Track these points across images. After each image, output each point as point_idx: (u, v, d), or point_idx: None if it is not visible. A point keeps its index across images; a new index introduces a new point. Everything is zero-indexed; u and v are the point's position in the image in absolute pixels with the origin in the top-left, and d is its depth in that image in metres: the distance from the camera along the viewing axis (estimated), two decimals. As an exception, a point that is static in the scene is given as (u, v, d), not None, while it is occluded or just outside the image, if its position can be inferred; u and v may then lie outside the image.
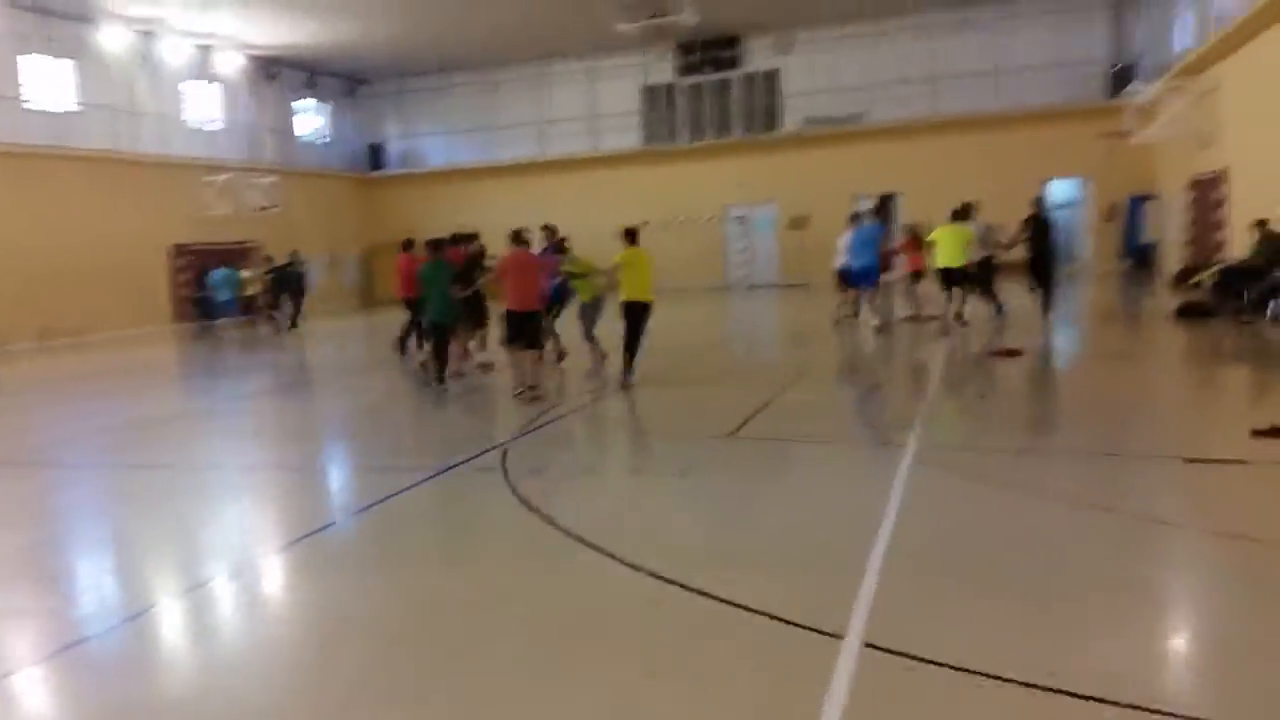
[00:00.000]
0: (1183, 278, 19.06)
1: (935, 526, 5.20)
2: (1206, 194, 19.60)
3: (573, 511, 5.81)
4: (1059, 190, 28.54)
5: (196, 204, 26.05)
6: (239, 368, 16.55)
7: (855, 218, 15.50)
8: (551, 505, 5.93)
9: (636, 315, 10.39)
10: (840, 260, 15.44)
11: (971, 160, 27.33)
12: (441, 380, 11.05)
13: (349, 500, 6.87)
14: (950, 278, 13.81)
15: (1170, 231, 24.09)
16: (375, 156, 33.80)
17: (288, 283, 22.59)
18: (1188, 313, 13.59)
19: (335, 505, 6.78)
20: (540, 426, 8.60)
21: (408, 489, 6.56)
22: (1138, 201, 26.02)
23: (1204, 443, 6.80)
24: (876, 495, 5.62)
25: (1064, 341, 13.67)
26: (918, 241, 15.56)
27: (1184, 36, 22.61)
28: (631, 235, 10.50)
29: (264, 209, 27.19)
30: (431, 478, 6.84)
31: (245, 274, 24.89)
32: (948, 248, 13.43)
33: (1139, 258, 25.83)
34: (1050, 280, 13.77)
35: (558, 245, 12.14)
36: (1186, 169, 21.44)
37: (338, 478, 7.80)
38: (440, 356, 11.10)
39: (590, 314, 11.62)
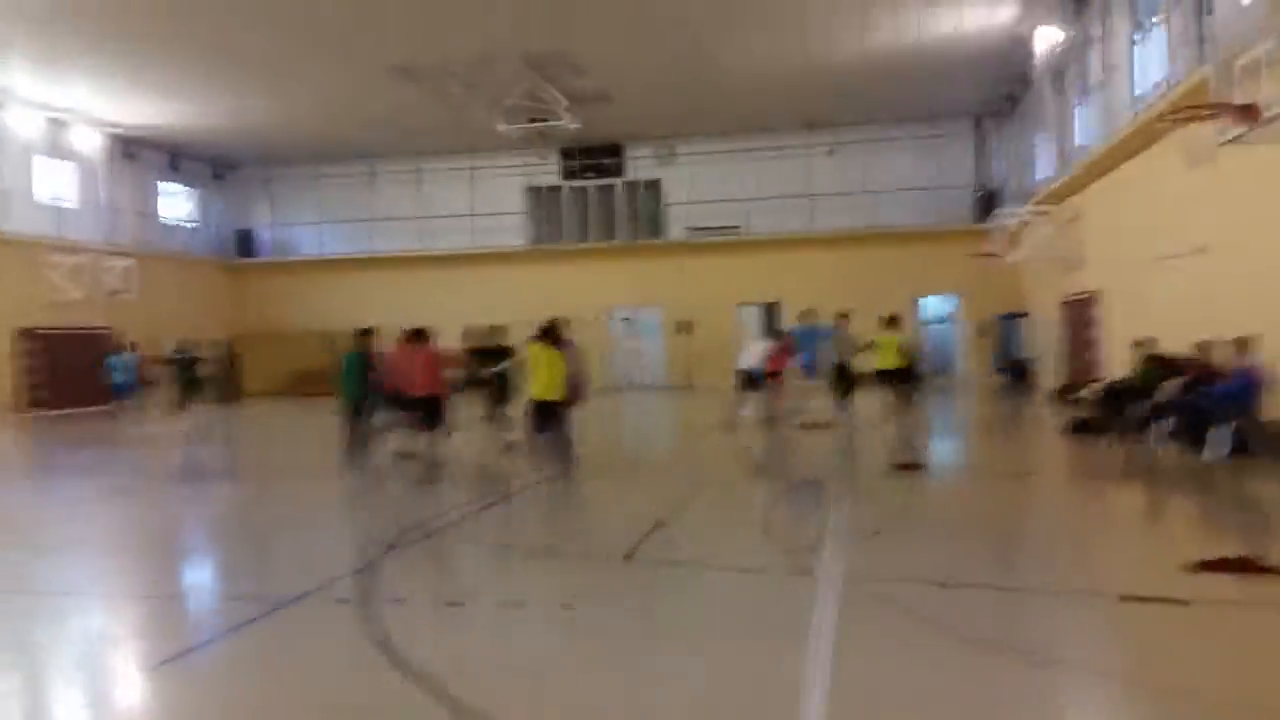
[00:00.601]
0: (1064, 393, 19.50)
1: (871, 698, 4.45)
2: (1080, 314, 20.28)
3: (436, 658, 4.84)
4: (933, 306, 29.46)
5: (45, 286, 24.00)
6: (92, 463, 14.74)
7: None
8: (411, 649, 4.94)
9: (537, 413, 10.19)
10: (746, 363, 15.81)
11: (847, 274, 27.90)
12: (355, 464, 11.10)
13: (145, 649, 5.38)
14: (888, 379, 13.75)
15: (1044, 348, 24.92)
16: (244, 243, 32.25)
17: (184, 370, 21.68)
18: (1079, 429, 13.63)
19: (120, 658, 5.35)
20: (416, 541, 7.58)
21: (224, 636, 5.38)
22: (1009, 318, 26.93)
23: (1139, 578, 6.35)
24: (794, 646, 4.85)
25: (961, 456, 13.49)
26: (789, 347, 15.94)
27: (1046, 165, 23.86)
28: (544, 332, 10.35)
29: (115, 294, 25.29)
30: (267, 615, 5.70)
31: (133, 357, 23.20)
32: (887, 353, 13.35)
33: (1014, 372, 26.58)
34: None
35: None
36: (1057, 289, 22.26)
37: (140, 615, 6.18)
38: (355, 441, 11.35)
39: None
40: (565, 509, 9.45)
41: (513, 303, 29.26)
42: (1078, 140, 20.62)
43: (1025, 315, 26.53)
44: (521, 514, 9.25)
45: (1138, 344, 13.40)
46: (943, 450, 13.26)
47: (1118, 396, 13.69)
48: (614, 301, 29.65)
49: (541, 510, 9.38)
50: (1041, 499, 9.83)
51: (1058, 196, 21.14)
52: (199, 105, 24.92)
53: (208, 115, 26.00)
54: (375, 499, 10.16)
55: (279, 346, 30.01)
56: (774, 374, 15.12)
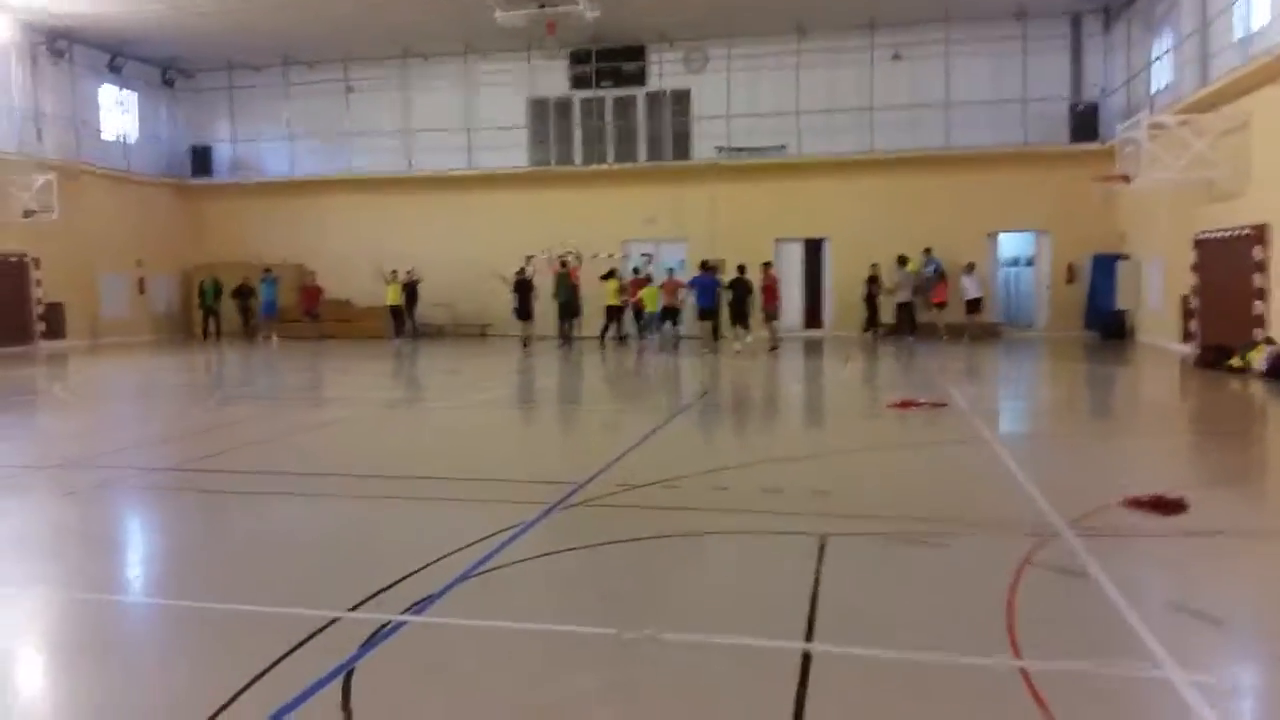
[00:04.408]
0: (1210, 358, 15.20)
1: None
2: (1232, 255, 15.88)
3: None
4: (1012, 244, 25.00)
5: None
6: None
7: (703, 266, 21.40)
8: None
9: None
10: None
11: (910, 204, 23.48)
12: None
13: None
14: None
15: (1153, 299, 20.52)
16: (200, 161, 27.72)
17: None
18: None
19: None
20: None
21: None
22: (1103, 262, 22.48)
23: None
24: None
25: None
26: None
27: (1171, 72, 19.25)
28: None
29: (30, 214, 20.96)
30: None
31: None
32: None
33: (1106, 328, 22.22)
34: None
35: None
36: (1187, 224, 17.82)
37: None
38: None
39: None
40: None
41: (513, 233, 24.94)
42: (1237, 34, 16.02)
43: (1125, 257, 22.09)
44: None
45: None
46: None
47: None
48: (632, 234, 25.17)
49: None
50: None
51: (1199, 109, 16.63)
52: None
53: (156, 6, 21.46)
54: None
55: (238, 280, 25.70)
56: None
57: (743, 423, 11.11)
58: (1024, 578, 4.76)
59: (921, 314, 22.83)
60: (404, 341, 22.92)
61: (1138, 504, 6.34)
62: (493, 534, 5.49)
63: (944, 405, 11.15)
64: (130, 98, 26.43)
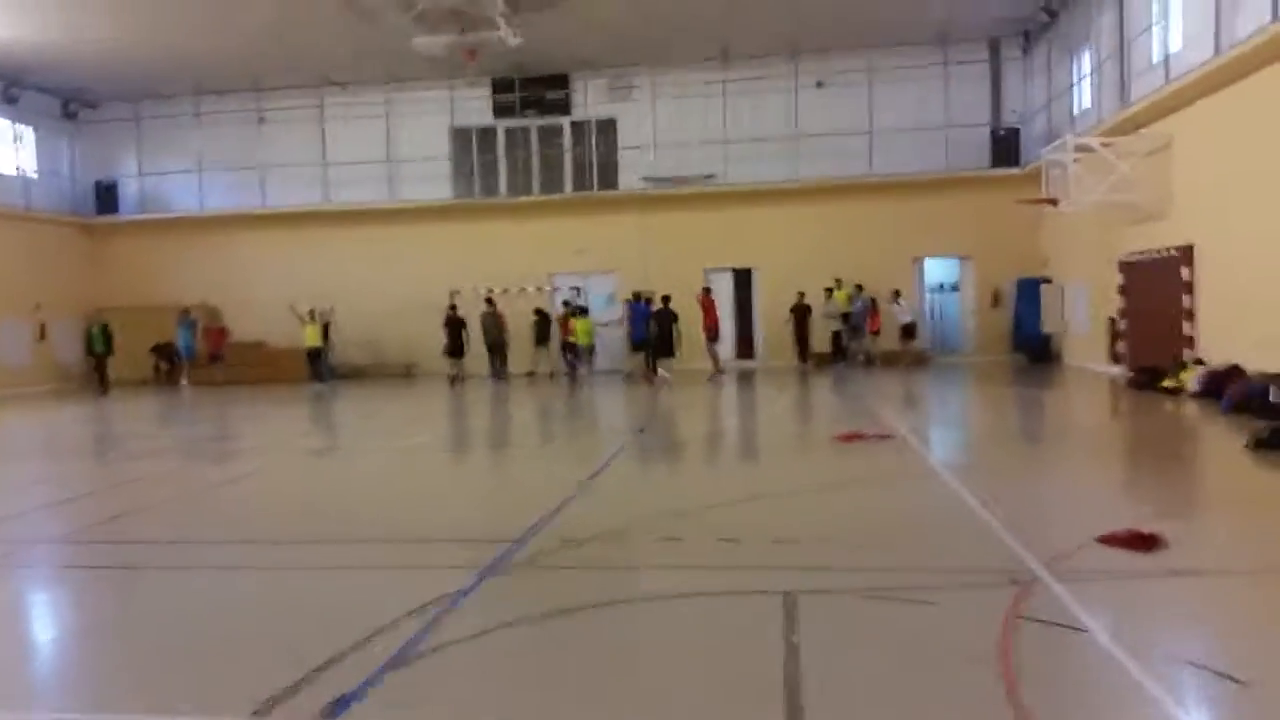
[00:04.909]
0: (1143, 380, 15.24)
1: None
2: (1156, 277, 16.01)
3: None
4: (936, 271, 25.13)
5: None
6: None
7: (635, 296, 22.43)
8: None
9: None
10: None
11: (837, 232, 23.45)
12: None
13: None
14: None
15: (1078, 322, 20.72)
16: (105, 197, 26.35)
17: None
18: (1266, 444, 9.18)
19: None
20: None
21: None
22: (1027, 286, 22.68)
23: None
24: None
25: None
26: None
27: (1086, 96, 19.57)
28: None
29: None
30: None
31: None
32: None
33: (1033, 351, 22.38)
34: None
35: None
36: (1111, 247, 18.00)
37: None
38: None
39: None
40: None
41: (437, 267, 24.25)
42: (1155, 57, 16.27)
43: (1048, 281, 22.34)
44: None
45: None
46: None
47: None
48: (560, 267, 24.64)
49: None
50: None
51: (1119, 131, 16.85)
52: (43, 19, 19.46)
53: (55, 34, 20.41)
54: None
55: (147, 323, 24.44)
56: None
57: (687, 462, 10.59)
58: (1015, 634, 4.32)
59: (851, 343, 22.90)
60: (326, 385, 21.96)
61: (1114, 541, 5.98)
62: (421, 606, 4.86)
63: (890, 437, 10.84)
64: (27, 131, 25.04)
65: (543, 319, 23.56)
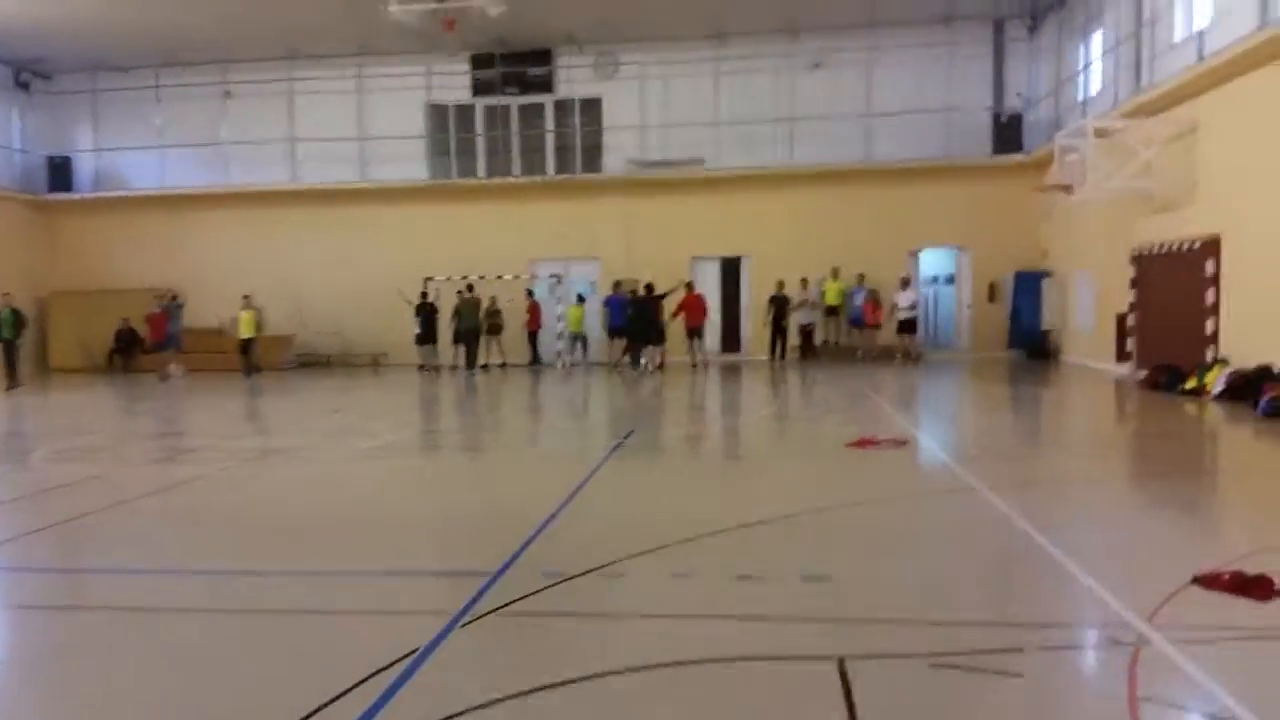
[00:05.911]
0: (1160, 380, 14.30)
1: None
2: (1176, 270, 15.05)
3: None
4: (931, 263, 24.15)
5: None
6: None
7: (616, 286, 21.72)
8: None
9: None
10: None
11: (832, 220, 22.43)
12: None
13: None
14: None
15: (1082, 317, 19.80)
16: (59, 173, 24.95)
17: None
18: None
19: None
20: None
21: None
22: (1026, 279, 21.73)
23: None
24: None
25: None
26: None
27: (1105, 77, 18.61)
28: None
29: None
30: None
31: None
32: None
33: (1031, 348, 21.45)
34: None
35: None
36: (1123, 238, 17.05)
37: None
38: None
39: None
40: None
41: (410, 252, 23.01)
42: (1176, 36, 15.31)
43: (1048, 274, 21.42)
44: None
45: None
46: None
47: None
48: (539, 254, 23.44)
49: None
50: None
51: (1136, 114, 15.89)
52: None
53: (8, 1, 19.12)
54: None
55: (102, 307, 23.08)
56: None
57: (683, 474, 9.43)
58: (1146, 726, 3.26)
59: (842, 336, 22.09)
60: (253, 380, 20.44)
61: (1215, 584, 4.95)
62: (374, 672, 3.74)
63: (905, 443, 9.80)
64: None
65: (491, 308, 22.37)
